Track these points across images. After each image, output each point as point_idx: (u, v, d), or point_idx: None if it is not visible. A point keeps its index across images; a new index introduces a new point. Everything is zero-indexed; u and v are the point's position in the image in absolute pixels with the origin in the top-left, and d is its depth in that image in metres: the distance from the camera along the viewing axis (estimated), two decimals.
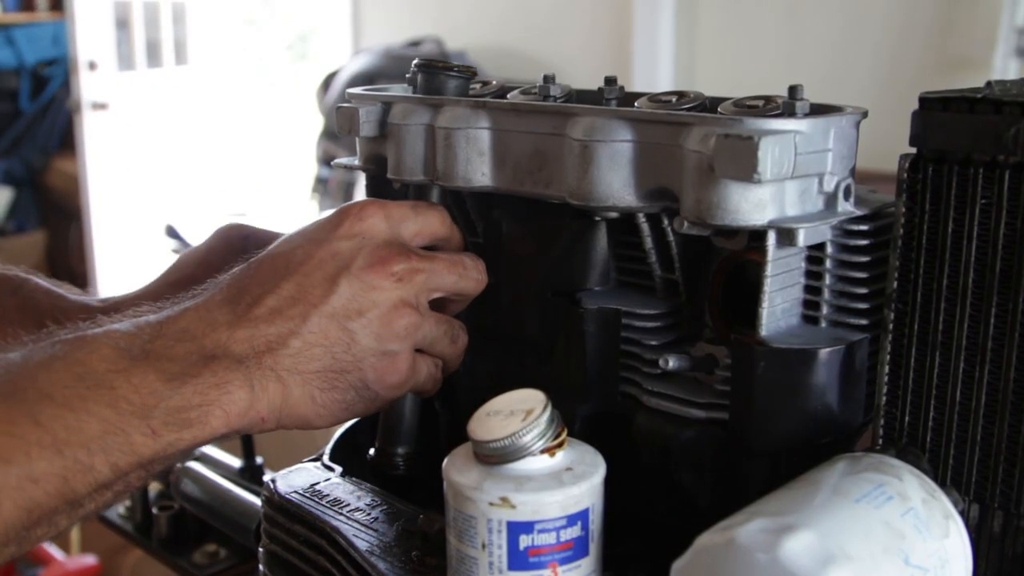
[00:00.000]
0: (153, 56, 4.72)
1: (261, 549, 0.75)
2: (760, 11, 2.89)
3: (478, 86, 0.80)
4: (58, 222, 4.84)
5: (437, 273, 0.69)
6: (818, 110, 0.62)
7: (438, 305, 0.72)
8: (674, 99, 0.67)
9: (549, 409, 0.58)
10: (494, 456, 0.57)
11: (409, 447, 0.77)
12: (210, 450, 1.12)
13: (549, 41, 3.37)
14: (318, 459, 0.79)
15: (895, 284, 0.60)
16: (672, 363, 0.66)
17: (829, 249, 0.64)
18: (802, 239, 0.59)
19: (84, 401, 0.56)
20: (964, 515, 0.57)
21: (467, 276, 0.71)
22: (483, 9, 3.63)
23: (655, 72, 3.02)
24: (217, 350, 0.61)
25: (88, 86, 4.39)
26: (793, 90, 0.61)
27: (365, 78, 3.24)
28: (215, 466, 1.07)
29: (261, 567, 0.75)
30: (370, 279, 0.66)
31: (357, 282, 0.65)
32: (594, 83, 0.74)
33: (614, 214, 0.69)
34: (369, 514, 0.70)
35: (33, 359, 0.57)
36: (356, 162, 0.82)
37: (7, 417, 0.54)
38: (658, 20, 3.02)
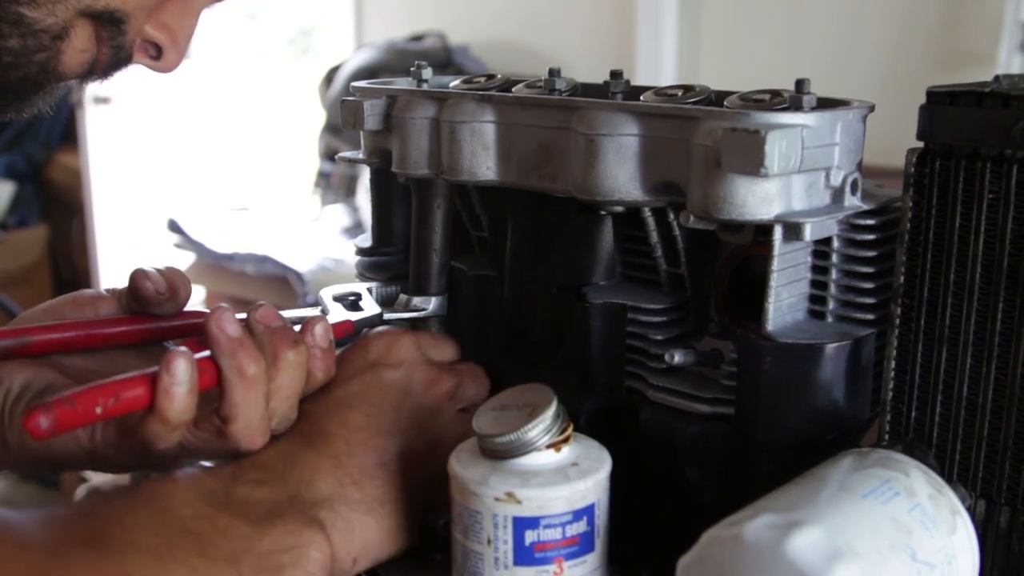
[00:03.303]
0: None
1: None
2: (764, 4, 2.88)
3: (483, 79, 0.80)
4: (60, 216, 4.84)
5: (465, 387, 0.73)
6: (825, 104, 0.62)
7: None
8: (680, 93, 0.67)
9: (554, 404, 0.58)
10: (500, 451, 0.57)
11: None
12: None
13: (552, 35, 3.37)
14: None
15: (902, 279, 0.60)
16: (678, 358, 0.66)
17: (836, 243, 0.63)
18: (809, 233, 0.59)
19: (172, 549, 0.54)
20: (971, 511, 0.57)
21: (483, 386, 0.74)
22: (486, 3, 3.62)
23: (659, 66, 3.01)
24: (301, 487, 0.61)
25: None
26: (800, 84, 0.61)
27: (368, 72, 3.23)
28: None
29: None
30: (432, 403, 0.69)
31: (423, 407, 0.69)
32: (597, 77, 0.73)
33: (620, 208, 0.68)
34: None
35: (118, 502, 0.57)
36: (360, 156, 0.82)
37: (97, 567, 0.52)
38: (661, 13, 3.01)
